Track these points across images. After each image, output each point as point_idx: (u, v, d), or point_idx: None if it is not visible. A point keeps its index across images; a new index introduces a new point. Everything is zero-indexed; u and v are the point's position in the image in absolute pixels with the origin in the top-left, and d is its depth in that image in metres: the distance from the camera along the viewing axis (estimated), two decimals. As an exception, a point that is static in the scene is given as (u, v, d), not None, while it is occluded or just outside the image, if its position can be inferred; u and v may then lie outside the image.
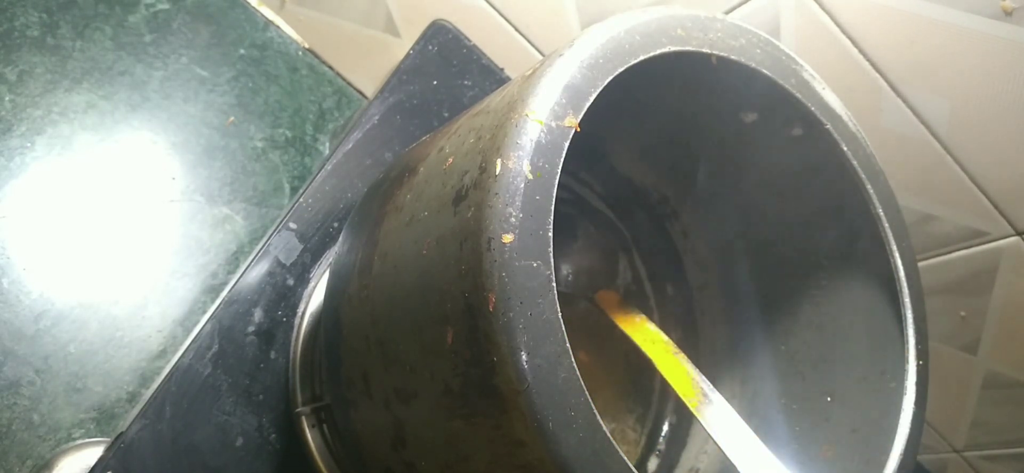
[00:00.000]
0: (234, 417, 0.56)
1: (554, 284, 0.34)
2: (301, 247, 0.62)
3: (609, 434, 0.33)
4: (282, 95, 0.83)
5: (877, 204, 0.49)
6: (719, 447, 0.47)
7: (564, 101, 0.37)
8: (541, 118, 0.36)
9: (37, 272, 0.67)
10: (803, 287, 0.56)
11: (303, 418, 0.58)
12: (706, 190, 0.60)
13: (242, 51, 0.83)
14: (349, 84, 0.89)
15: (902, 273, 0.49)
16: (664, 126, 0.56)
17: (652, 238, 0.65)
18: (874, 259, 0.50)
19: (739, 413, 0.51)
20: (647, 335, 0.51)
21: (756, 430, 0.50)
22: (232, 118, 0.80)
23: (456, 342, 0.35)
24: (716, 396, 0.48)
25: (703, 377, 0.48)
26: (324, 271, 0.62)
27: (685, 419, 0.62)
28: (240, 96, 0.81)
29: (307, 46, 0.87)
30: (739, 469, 0.45)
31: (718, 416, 0.46)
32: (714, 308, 0.63)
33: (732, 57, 0.44)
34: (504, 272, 0.33)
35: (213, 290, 0.73)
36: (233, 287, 0.58)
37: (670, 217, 0.64)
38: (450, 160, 0.40)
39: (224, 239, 0.75)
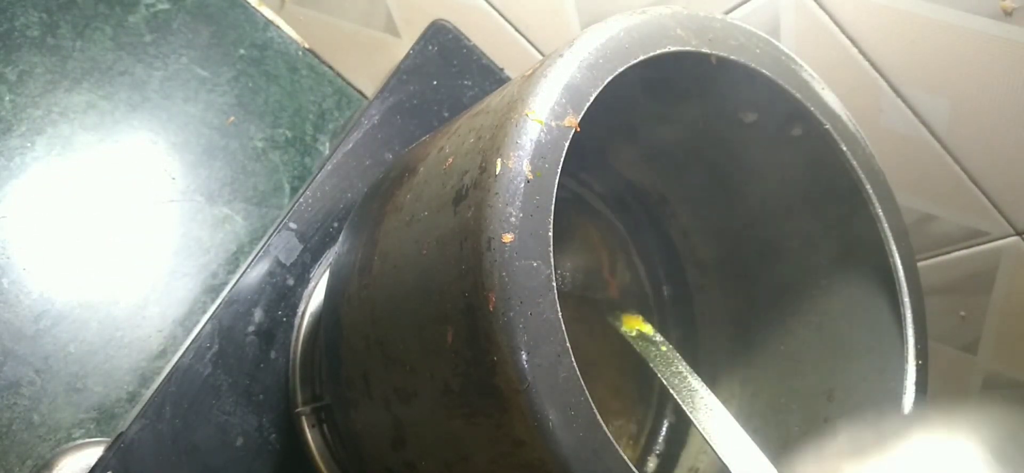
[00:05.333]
0: (234, 417, 0.56)
1: (554, 284, 0.34)
2: (301, 247, 0.62)
3: (609, 433, 0.34)
4: (282, 95, 0.83)
5: (876, 204, 0.49)
6: (714, 450, 0.47)
7: (564, 101, 0.37)
8: (541, 118, 0.36)
9: (37, 272, 0.67)
10: (802, 287, 0.56)
11: (303, 418, 0.58)
12: (705, 190, 0.60)
13: (242, 51, 0.83)
14: (349, 84, 0.89)
15: (902, 273, 0.49)
16: (664, 126, 0.56)
17: (651, 238, 0.65)
18: (874, 259, 0.50)
19: (738, 414, 0.51)
20: (645, 336, 0.51)
21: (755, 430, 0.50)
22: (232, 118, 0.80)
23: (456, 342, 0.35)
24: (712, 399, 0.48)
25: (699, 379, 0.48)
26: (324, 271, 0.62)
27: (684, 419, 0.62)
28: (240, 96, 0.81)
29: (307, 46, 0.87)
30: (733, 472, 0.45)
31: (713, 418, 0.46)
32: (713, 308, 0.63)
33: (732, 57, 0.44)
34: (504, 272, 0.33)
35: (213, 290, 0.73)
36: (233, 287, 0.58)
37: (669, 217, 0.64)
38: (450, 160, 0.40)
39: (224, 239, 0.75)
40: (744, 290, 0.61)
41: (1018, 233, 0.70)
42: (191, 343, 0.56)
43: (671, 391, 0.49)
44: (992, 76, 0.62)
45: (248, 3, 0.85)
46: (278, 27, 0.86)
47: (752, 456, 0.47)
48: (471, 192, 0.36)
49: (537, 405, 0.32)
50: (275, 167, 0.80)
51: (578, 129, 0.37)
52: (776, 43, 0.47)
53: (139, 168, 0.74)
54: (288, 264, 0.61)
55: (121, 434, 0.52)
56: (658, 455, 0.63)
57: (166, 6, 0.80)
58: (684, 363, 0.49)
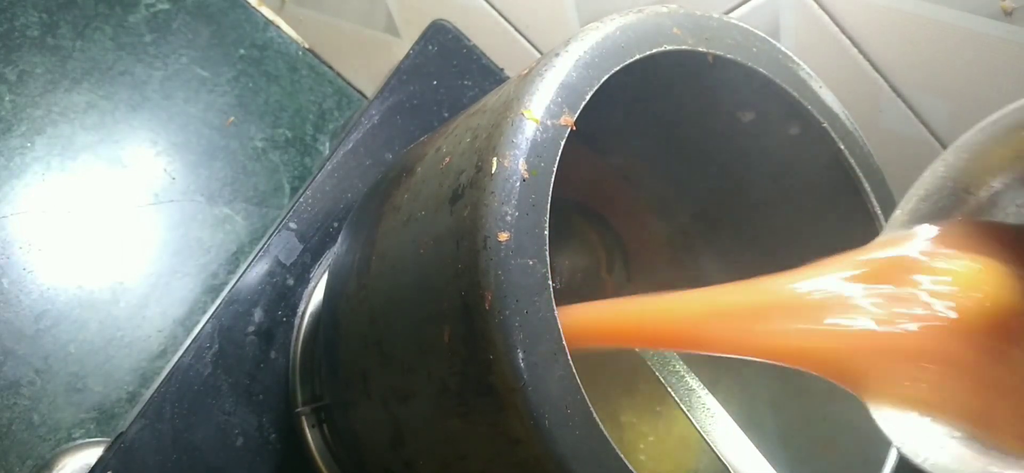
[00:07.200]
0: (234, 417, 0.56)
1: (550, 282, 0.34)
2: (301, 247, 0.62)
3: (605, 431, 0.34)
4: (282, 95, 0.84)
5: (875, 203, 0.49)
6: (713, 449, 0.47)
7: (560, 100, 0.37)
8: (537, 117, 0.36)
9: (38, 272, 0.67)
10: (802, 286, 0.56)
11: (303, 418, 0.58)
12: (703, 190, 0.60)
13: (242, 51, 0.83)
14: (349, 84, 0.89)
15: (900, 272, 0.49)
16: (661, 125, 0.56)
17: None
18: (872, 258, 0.50)
19: (737, 413, 0.51)
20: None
21: (754, 430, 0.50)
22: (232, 118, 0.80)
23: (453, 341, 0.35)
24: (710, 399, 0.48)
25: (697, 379, 0.49)
26: (324, 271, 0.62)
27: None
28: (240, 96, 0.81)
29: (307, 46, 0.88)
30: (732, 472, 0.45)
31: (712, 418, 0.46)
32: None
33: (728, 56, 0.44)
34: (500, 270, 0.33)
35: (213, 290, 0.73)
36: (233, 287, 0.58)
37: (668, 217, 0.64)
38: (447, 160, 0.40)
39: (224, 239, 0.76)
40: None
41: (1018, 233, 0.70)
42: (191, 343, 0.56)
43: (669, 391, 0.50)
44: (992, 76, 0.62)
45: (248, 3, 0.85)
46: (278, 27, 0.86)
47: (751, 456, 0.47)
48: (467, 191, 0.36)
49: (533, 404, 0.32)
50: (275, 167, 0.80)
51: (574, 128, 0.37)
52: (773, 42, 0.47)
53: (139, 168, 0.74)
54: (288, 264, 0.61)
55: (121, 434, 0.52)
56: (657, 455, 0.63)
57: (166, 6, 0.80)
58: (681, 362, 0.49)
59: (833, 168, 0.49)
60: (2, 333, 0.65)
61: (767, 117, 0.50)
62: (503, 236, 0.33)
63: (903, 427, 0.33)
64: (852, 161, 0.48)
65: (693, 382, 0.48)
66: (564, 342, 0.34)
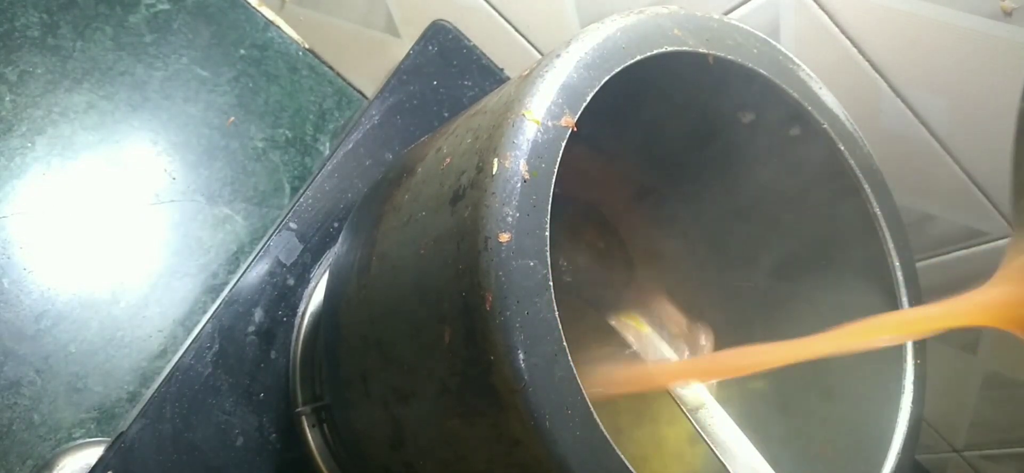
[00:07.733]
0: (234, 417, 0.56)
1: (551, 283, 0.34)
2: (301, 247, 0.62)
3: (606, 432, 0.34)
4: (282, 95, 0.84)
5: (875, 204, 0.49)
6: (713, 450, 0.47)
7: (561, 101, 0.37)
8: (538, 118, 0.36)
9: (38, 272, 0.67)
10: (801, 287, 0.56)
11: (303, 418, 0.58)
12: (704, 191, 0.60)
13: (242, 51, 0.83)
14: (349, 84, 0.89)
15: (900, 273, 0.49)
16: (662, 127, 0.56)
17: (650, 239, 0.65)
18: (872, 259, 0.50)
19: (737, 413, 0.51)
20: (642, 336, 0.51)
21: (754, 430, 0.50)
22: (232, 118, 0.80)
23: (453, 341, 0.35)
24: (709, 399, 0.48)
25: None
26: (324, 271, 0.62)
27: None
28: (240, 96, 0.81)
29: (307, 46, 0.88)
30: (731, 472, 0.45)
31: (711, 418, 0.46)
32: (712, 308, 0.63)
33: (729, 57, 0.44)
34: (501, 271, 0.33)
35: (214, 290, 0.73)
36: (234, 287, 0.58)
37: (669, 217, 0.64)
38: (448, 160, 0.40)
39: (225, 239, 0.76)
40: (742, 291, 0.61)
41: (1018, 233, 0.70)
42: (191, 343, 0.56)
43: (669, 391, 0.50)
44: (992, 76, 0.62)
45: (248, 3, 0.85)
46: (278, 27, 0.86)
47: (750, 456, 0.47)
48: (468, 192, 0.36)
49: (533, 404, 0.32)
50: (275, 167, 0.80)
51: (575, 129, 0.37)
52: (774, 43, 0.47)
53: (140, 168, 0.74)
54: (288, 264, 0.61)
55: (122, 434, 0.52)
56: (657, 455, 0.63)
57: (166, 6, 0.80)
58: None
59: (833, 169, 0.49)
60: (2, 333, 0.65)
61: (767, 118, 0.50)
62: (504, 237, 0.33)
63: None
64: (852, 162, 0.48)
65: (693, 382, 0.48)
66: (565, 343, 0.34)
